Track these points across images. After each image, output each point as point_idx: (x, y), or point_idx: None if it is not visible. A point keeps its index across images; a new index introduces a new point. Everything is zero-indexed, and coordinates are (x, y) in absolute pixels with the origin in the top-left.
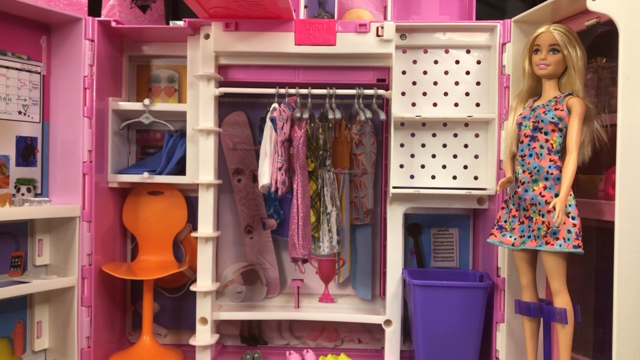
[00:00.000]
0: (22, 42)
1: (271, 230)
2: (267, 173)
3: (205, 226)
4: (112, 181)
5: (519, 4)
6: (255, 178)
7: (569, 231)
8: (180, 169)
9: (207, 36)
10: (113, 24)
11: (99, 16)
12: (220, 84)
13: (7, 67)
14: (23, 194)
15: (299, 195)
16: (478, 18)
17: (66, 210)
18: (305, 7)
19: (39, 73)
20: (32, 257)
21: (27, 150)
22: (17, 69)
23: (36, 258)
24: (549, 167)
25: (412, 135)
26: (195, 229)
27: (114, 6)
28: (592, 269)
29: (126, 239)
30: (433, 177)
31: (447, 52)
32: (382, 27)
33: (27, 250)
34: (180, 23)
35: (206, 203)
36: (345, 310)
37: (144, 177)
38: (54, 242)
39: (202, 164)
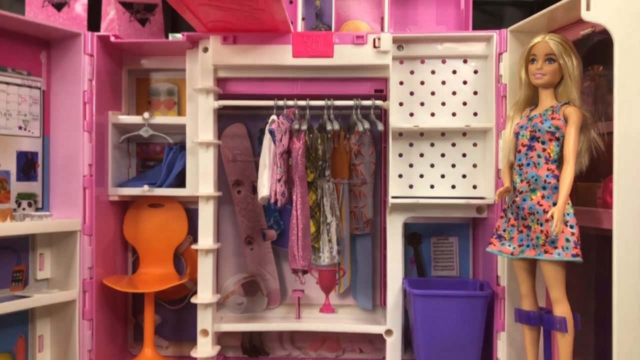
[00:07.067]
0: (22, 58)
1: (271, 241)
2: (266, 184)
3: (206, 238)
4: (113, 194)
5: (516, 12)
6: (254, 189)
7: (567, 240)
8: (180, 182)
9: (205, 49)
10: (112, 39)
11: (98, 30)
12: (219, 97)
13: (7, 83)
14: (24, 209)
15: (298, 206)
16: (475, 26)
17: (67, 224)
18: (303, 19)
19: (39, 88)
20: (34, 271)
21: (27, 165)
22: (17, 84)
23: (37, 272)
24: (547, 176)
25: (411, 145)
26: (195, 240)
27: (113, 20)
28: (592, 276)
29: (127, 251)
30: (432, 186)
31: (444, 62)
32: (379, 39)
33: (29, 264)
34: (179, 36)
35: (206, 215)
36: (346, 320)
37: (144, 190)
38: (55, 256)
39: (201, 176)
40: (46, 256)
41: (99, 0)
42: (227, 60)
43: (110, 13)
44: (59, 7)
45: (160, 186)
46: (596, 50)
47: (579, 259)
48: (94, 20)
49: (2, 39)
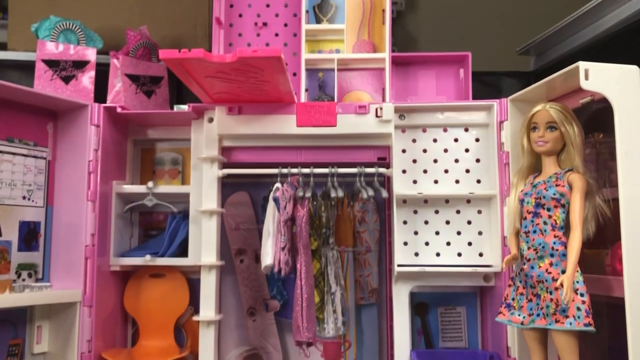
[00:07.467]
0: (30, 129)
1: (274, 312)
2: (270, 253)
3: (207, 309)
4: (114, 264)
5: (513, 82)
6: (257, 258)
7: (578, 309)
8: (183, 251)
9: (211, 120)
10: (119, 110)
11: (105, 101)
12: (224, 165)
13: (13, 154)
14: (24, 279)
15: (302, 275)
16: (474, 96)
17: (67, 295)
18: (306, 90)
19: (45, 158)
20: (30, 345)
21: (29, 235)
22: (23, 155)
23: (34, 346)
24: (554, 243)
25: (415, 212)
26: (197, 311)
27: (120, 92)
28: (605, 346)
29: (127, 323)
30: (438, 254)
31: (445, 130)
32: (381, 108)
33: (25, 337)
34: (185, 107)
35: (208, 285)
36: None
37: (146, 259)
38: (53, 328)
39: (204, 245)
40: (44, 329)
41: (106, 73)
42: (232, 130)
43: (117, 85)
44: (66, 80)
45: (163, 256)
46: (596, 118)
47: (591, 328)
48: (100, 92)
49: (11, 111)
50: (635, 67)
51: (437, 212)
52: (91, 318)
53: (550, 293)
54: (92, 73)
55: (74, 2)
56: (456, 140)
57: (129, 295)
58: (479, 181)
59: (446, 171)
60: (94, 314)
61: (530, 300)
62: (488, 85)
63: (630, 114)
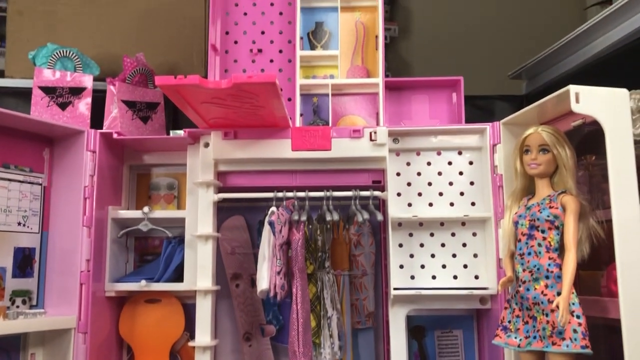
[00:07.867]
0: (26, 155)
1: (270, 337)
2: (265, 277)
3: (203, 335)
4: (110, 290)
5: (505, 105)
6: (253, 282)
7: (574, 331)
8: (178, 276)
9: (206, 145)
10: (115, 136)
11: (101, 127)
12: (219, 190)
13: (9, 180)
14: (18, 306)
15: (298, 299)
16: (467, 119)
17: (61, 321)
18: (301, 115)
19: (40, 184)
20: None
21: (24, 261)
22: (19, 181)
23: None
24: (549, 265)
25: (410, 235)
26: (192, 337)
27: (116, 118)
28: None
29: (122, 349)
30: (434, 277)
31: (439, 154)
32: (375, 132)
33: None
34: (181, 133)
35: (204, 310)
36: None
37: (142, 285)
38: (47, 355)
39: (200, 270)
40: (38, 356)
41: (102, 100)
42: (227, 154)
43: (114, 111)
44: (63, 106)
45: (158, 281)
46: (588, 140)
47: (588, 350)
48: (97, 118)
49: (7, 138)
50: (624, 90)
51: (432, 234)
52: (86, 344)
53: (547, 315)
54: (89, 99)
55: (71, 29)
56: (450, 163)
57: (124, 321)
58: (473, 204)
59: (441, 194)
60: (89, 341)
61: (527, 323)
62: (481, 108)
63: (621, 136)
